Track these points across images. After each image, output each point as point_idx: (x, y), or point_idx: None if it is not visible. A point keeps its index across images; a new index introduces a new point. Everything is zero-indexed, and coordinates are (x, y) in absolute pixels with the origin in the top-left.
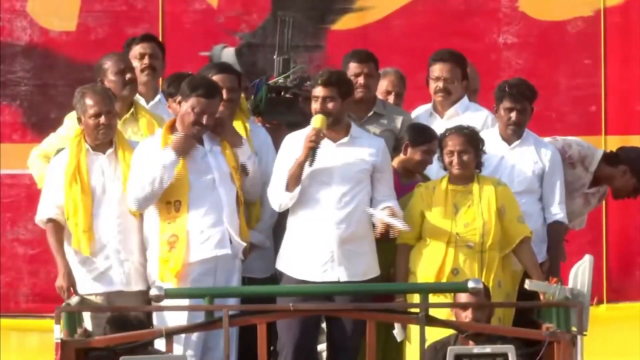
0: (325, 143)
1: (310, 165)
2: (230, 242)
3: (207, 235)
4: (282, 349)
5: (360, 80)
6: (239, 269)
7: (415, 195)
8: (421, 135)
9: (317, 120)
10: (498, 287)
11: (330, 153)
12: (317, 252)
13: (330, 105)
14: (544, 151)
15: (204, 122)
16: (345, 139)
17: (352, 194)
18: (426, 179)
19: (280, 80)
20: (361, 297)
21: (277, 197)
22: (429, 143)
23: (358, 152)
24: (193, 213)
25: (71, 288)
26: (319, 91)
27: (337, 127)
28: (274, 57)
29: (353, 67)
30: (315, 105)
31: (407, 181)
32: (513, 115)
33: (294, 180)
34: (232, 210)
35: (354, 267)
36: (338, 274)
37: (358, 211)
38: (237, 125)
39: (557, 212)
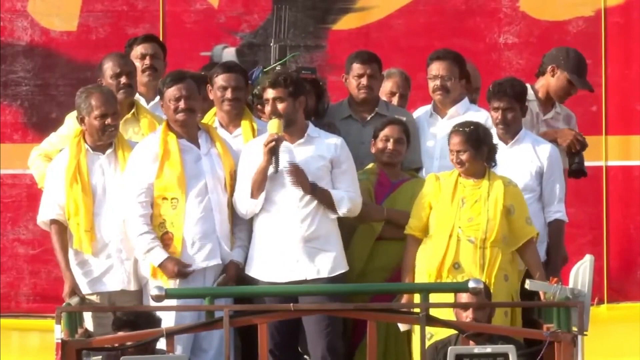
0: (283, 145)
1: (276, 171)
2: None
3: (198, 246)
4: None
5: (363, 81)
6: None
7: (426, 185)
8: (378, 125)
9: (272, 125)
10: (505, 281)
11: (288, 154)
12: (282, 252)
13: (280, 106)
14: (542, 150)
15: (183, 105)
16: (302, 139)
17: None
18: (413, 176)
19: (277, 68)
20: (335, 297)
21: (243, 204)
22: (382, 130)
23: (315, 150)
24: (187, 219)
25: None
26: (268, 93)
27: (292, 128)
28: (271, 44)
29: (356, 68)
30: (267, 108)
31: (395, 179)
32: (499, 114)
33: (258, 186)
34: (223, 217)
35: (321, 265)
36: (305, 272)
37: (321, 209)
38: (245, 125)
39: (557, 210)
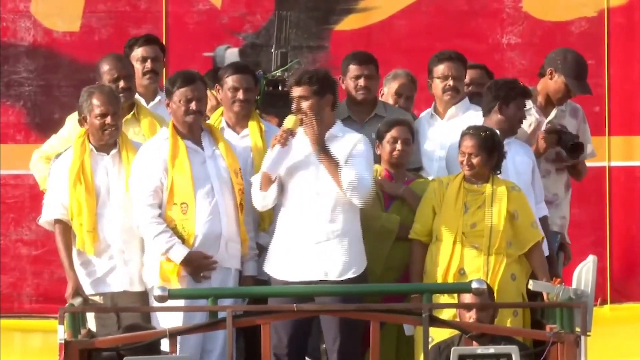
0: (305, 141)
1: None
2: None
3: (205, 250)
4: (276, 349)
5: (361, 82)
6: (234, 277)
7: (428, 189)
8: (383, 126)
9: (289, 121)
10: (512, 280)
11: (309, 150)
12: (295, 250)
13: (304, 104)
14: (529, 148)
15: (193, 107)
16: (325, 137)
17: (331, 191)
18: (418, 177)
19: (277, 74)
20: (349, 298)
21: (254, 197)
22: (389, 131)
23: (336, 148)
24: (197, 222)
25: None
26: (293, 91)
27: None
28: (272, 50)
29: (353, 70)
30: (293, 105)
31: (402, 180)
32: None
33: (266, 179)
34: (230, 219)
35: (329, 268)
36: (314, 274)
37: (337, 208)
38: (253, 125)
39: (544, 206)
